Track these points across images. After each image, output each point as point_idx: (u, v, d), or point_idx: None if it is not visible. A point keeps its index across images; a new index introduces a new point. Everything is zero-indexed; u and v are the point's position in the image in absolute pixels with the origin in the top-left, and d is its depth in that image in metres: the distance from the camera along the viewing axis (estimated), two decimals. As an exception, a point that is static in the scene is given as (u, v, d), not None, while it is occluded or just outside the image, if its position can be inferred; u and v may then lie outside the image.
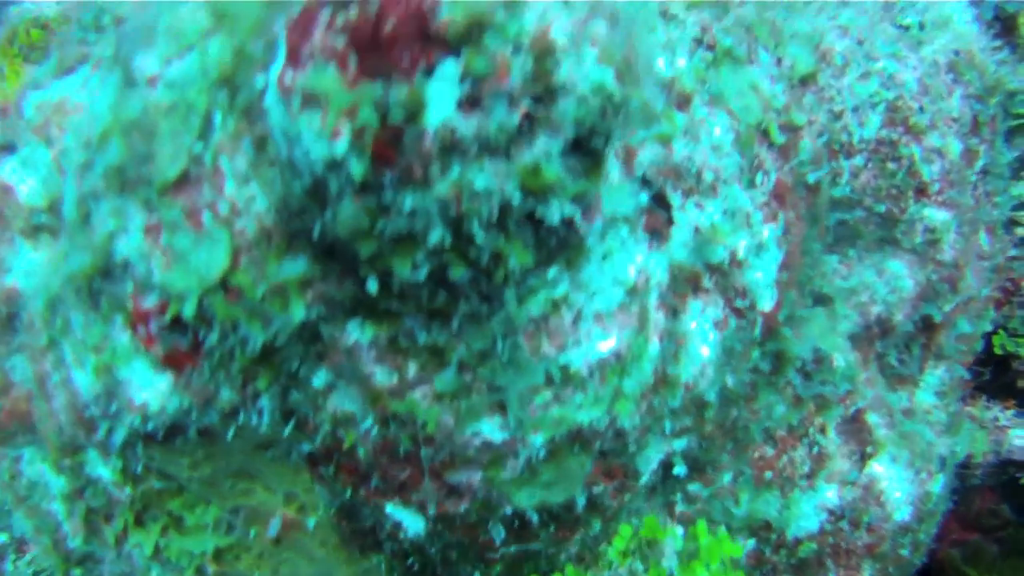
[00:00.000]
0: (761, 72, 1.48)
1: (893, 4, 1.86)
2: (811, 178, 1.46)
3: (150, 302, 0.97)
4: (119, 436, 1.08)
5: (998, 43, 2.03)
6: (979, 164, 1.88)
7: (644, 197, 1.25)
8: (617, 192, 0.97)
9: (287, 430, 1.10)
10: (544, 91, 0.83)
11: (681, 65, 1.34)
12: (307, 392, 1.06)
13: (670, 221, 1.26)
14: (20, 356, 1.30)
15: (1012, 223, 2.18)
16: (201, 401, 1.05)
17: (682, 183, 1.27)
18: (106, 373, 1.05)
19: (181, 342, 1.00)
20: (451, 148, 0.80)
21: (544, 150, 0.85)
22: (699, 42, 1.41)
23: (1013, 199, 2.19)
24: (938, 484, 1.74)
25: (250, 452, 1.18)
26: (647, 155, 1.23)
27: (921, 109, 1.72)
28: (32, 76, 1.49)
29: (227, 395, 1.04)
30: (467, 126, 0.80)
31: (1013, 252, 2.30)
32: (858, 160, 1.66)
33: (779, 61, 1.57)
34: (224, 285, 0.93)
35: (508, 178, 0.84)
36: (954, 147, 1.77)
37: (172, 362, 1.02)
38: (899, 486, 1.67)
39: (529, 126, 0.84)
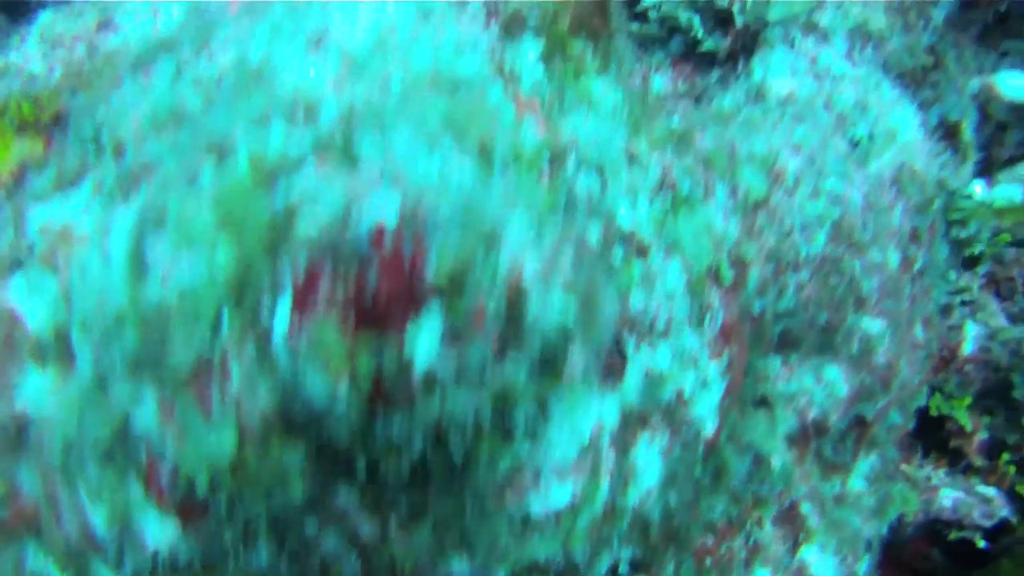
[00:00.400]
0: (716, 207, 1.62)
1: (845, 117, 2.00)
2: (756, 308, 1.62)
3: (163, 470, 1.10)
4: (128, 569, 1.22)
5: (941, 146, 2.19)
6: (916, 267, 2.05)
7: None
8: (579, 391, 1.11)
9: (282, 565, 1.24)
10: (514, 326, 0.97)
11: (642, 213, 1.48)
12: (300, 537, 1.20)
13: (624, 364, 1.40)
14: (28, 468, 1.42)
15: (947, 309, 2.36)
16: (206, 546, 1.18)
17: (636, 329, 1.42)
18: (120, 518, 1.18)
19: (192, 500, 1.14)
20: (433, 383, 0.94)
21: (512, 373, 0.99)
22: (660, 185, 1.55)
23: (950, 285, 2.37)
24: (863, 565, 1.93)
25: (243, 573, 1.32)
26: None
27: (864, 225, 1.88)
28: (32, 186, 1.58)
29: (230, 539, 1.18)
30: (448, 366, 0.94)
31: (950, 324, 2.48)
32: (803, 274, 1.81)
33: (734, 190, 1.71)
34: (231, 464, 1.07)
35: (481, 398, 0.98)
36: (893, 259, 1.93)
37: (183, 514, 1.16)
38: (826, 571, 1.86)
39: (500, 350, 0.98)
